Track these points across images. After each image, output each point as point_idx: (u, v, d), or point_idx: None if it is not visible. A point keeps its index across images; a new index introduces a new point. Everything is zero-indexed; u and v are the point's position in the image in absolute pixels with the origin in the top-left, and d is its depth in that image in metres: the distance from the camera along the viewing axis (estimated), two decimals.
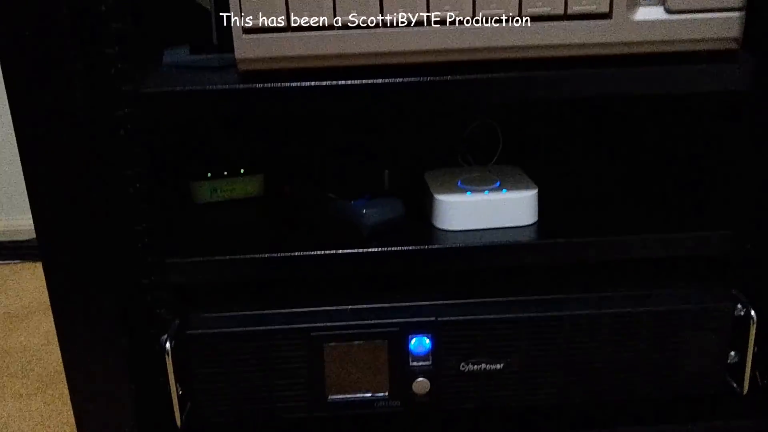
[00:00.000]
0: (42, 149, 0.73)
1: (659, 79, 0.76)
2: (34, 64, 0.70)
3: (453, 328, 0.82)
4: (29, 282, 1.61)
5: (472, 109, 1.05)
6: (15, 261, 1.71)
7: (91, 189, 0.75)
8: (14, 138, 0.72)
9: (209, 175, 0.96)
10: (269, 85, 0.74)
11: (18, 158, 0.74)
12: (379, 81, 0.74)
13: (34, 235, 0.77)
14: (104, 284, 0.78)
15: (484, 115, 1.04)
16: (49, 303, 0.79)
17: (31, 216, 0.77)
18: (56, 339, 0.80)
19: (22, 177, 0.75)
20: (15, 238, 1.72)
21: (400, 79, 0.75)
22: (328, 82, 0.74)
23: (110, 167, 0.76)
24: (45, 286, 0.79)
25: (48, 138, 0.73)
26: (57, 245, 0.77)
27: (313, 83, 0.74)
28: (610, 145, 1.08)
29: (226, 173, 0.96)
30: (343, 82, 0.74)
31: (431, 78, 0.75)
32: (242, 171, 0.97)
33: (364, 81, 0.74)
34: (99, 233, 0.76)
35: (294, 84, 0.74)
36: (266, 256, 0.82)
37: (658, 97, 0.97)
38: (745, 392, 0.85)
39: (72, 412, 0.84)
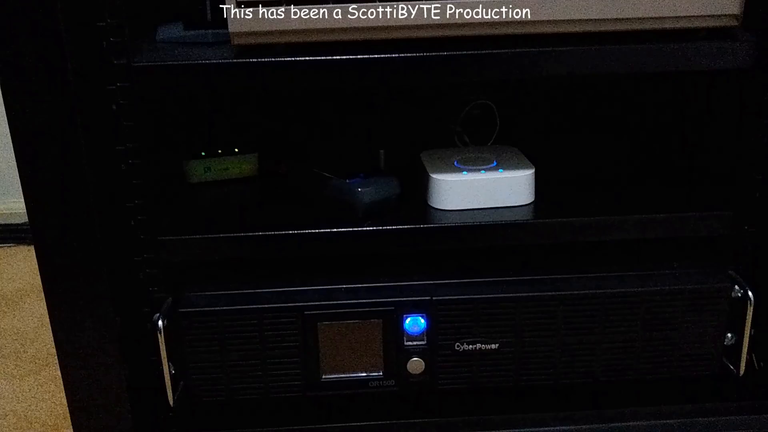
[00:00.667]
0: (33, 125, 0.72)
1: (659, 56, 0.75)
2: (24, 37, 0.69)
3: (448, 308, 0.82)
4: (23, 265, 1.61)
5: (468, 86, 1.04)
6: (9, 244, 1.70)
7: (82, 166, 0.74)
8: (6, 120, 0.71)
9: (203, 153, 0.95)
10: (263, 59, 0.73)
11: (10, 141, 0.73)
12: (375, 56, 0.74)
13: (27, 219, 0.76)
14: (96, 262, 0.77)
15: (482, 95, 1.03)
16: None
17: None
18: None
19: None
20: (9, 222, 1.72)
21: (396, 54, 0.74)
22: (323, 57, 0.73)
23: (102, 143, 0.75)
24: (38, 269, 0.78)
25: (39, 113, 0.71)
26: (48, 222, 0.76)
27: (307, 58, 0.73)
28: (608, 126, 1.07)
29: (220, 152, 0.95)
30: (338, 57, 0.73)
31: (428, 53, 0.74)
32: (236, 150, 0.96)
33: (359, 56, 0.73)
34: (91, 210, 0.75)
35: (288, 58, 0.73)
36: (260, 234, 0.81)
37: (657, 76, 0.97)
38: (741, 374, 0.85)
39: (64, 393, 0.83)
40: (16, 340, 1.31)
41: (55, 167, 0.73)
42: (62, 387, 0.83)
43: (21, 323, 1.37)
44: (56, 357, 0.82)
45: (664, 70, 0.76)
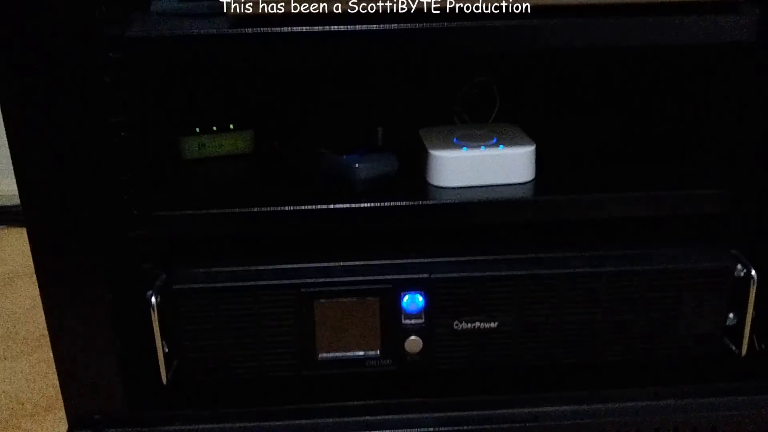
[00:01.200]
0: (24, 97, 0.70)
1: (660, 30, 0.74)
2: (12, 4, 0.67)
3: (447, 286, 0.80)
4: (15, 247, 1.59)
5: (467, 63, 1.02)
6: (1, 226, 1.68)
7: (74, 138, 0.72)
8: None
9: (197, 130, 0.93)
10: (258, 29, 0.71)
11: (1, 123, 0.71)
12: (374, 27, 0.72)
13: (19, 201, 0.74)
14: (88, 237, 0.76)
15: (481, 73, 1.02)
16: None
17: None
18: None
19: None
20: (1, 204, 1.70)
21: (396, 25, 0.72)
22: (320, 27, 0.71)
23: (95, 115, 0.74)
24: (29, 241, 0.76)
25: (29, 85, 0.70)
26: (40, 196, 0.74)
27: (304, 28, 0.71)
28: (609, 103, 1.06)
29: (215, 128, 0.94)
30: (336, 27, 0.72)
31: (427, 24, 0.72)
32: (232, 126, 0.95)
33: (357, 27, 0.72)
34: (83, 184, 0.74)
35: (285, 29, 0.71)
36: (255, 210, 0.79)
37: (658, 51, 0.96)
38: (743, 354, 0.84)
39: (56, 373, 0.82)
40: (8, 321, 1.30)
41: (47, 142, 0.72)
42: (54, 368, 0.82)
43: (13, 305, 1.35)
44: (48, 337, 0.80)
45: (666, 44, 0.75)
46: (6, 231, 1.67)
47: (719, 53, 0.86)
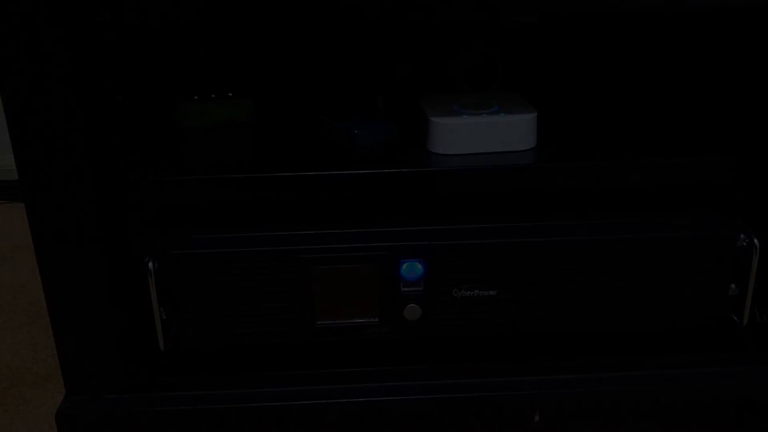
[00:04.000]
0: (16, 58, 0.70)
1: None
2: None
3: (446, 253, 0.80)
4: (17, 221, 1.59)
5: (469, 31, 1.01)
6: (2, 201, 1.69)
7: (68, 101, 0.71)
8: None
9: (196, 97, 0.92)
10: None
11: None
12: None
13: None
14: (83, 201, 0.75)
15: (484, 42, 1.01)
16: None
17: None
18: None
19: None
20: (3, 179, 1.70)
21: None
22: None
23: (89, 77, 0.73)
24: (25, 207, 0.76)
25: (23, 48, 0.69)
26: (35, 163, 0.74)
27: None
28: (612, 71, 1.05)
29: (213, 96, 0.93)
30: None
31: None
32: (230, 94, 0.94)
33: None
34: (78, 148, 0.73)
35: None
36: (253, 175, 0.79)
37: (662, 15, 0.94)
38: (745, 324, 0.83)
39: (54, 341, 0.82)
40: (8, 293, 1.30)
41: (41, 104, 0.71)
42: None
43: (14, 277, 1.36)
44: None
45: (669, 9, 0.74)
46: (8, 206, 1.67)
47: (726, 17, 0.84)
